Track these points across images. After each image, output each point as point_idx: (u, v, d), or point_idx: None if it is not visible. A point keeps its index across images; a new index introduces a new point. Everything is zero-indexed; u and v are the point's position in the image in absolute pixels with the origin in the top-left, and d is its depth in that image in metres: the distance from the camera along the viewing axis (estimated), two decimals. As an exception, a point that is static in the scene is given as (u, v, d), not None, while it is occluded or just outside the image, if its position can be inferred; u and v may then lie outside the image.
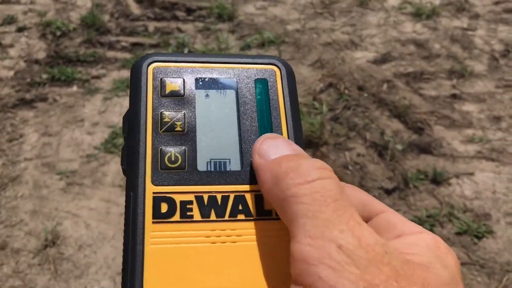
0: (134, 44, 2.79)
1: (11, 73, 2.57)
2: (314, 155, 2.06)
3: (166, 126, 0.33)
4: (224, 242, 0.30)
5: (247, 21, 2.99)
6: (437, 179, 1.97)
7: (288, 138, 0.34)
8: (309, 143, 2.11)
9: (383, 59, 2.64)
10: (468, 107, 2.33)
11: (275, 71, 0.37)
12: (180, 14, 3.06)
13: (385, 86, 2.45)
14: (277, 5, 3.16)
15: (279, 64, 0.37)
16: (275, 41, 2.78)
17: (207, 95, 0.35)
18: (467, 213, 1.85)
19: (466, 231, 1.79)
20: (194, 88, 0.35)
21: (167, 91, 0.35)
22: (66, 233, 1.82)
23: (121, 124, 2.23)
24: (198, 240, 0.30)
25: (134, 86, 0.35)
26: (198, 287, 0.28)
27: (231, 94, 0.35)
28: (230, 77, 0.36)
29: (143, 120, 0.33)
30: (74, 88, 2.48)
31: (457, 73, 2.52)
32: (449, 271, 0.26)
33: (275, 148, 0.31)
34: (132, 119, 0.34)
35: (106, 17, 2.99)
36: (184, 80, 0.35)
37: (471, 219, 1.82)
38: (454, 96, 2.39)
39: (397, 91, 2.42)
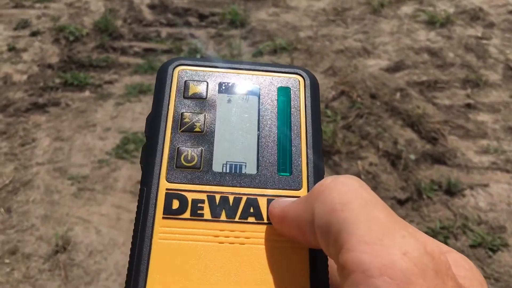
0: (147, 50, 2.79)
1: (24, 77, 2.58)
2: (326, 164, 2.04)
3: (186, 126, 0.34)
4: (232, 243, 0.30)
5: (259, 28, 2.98)
6: (451, 190, 1.94)
7: (307, 148, 0.34)
8: (321, 151, 2.09)
9: (396, 67, 2.62)
10: (483, 117, 2.30)
11: (299, 81, 0.37)
12: (193, 20, 3.06)
13: (398, 94, 2.43)
14: (290, 12, 3.15)
15: (304, 74, 0.37)
16: (287, 48, 2.77)
17: (229, 100, 0.35)
18: (482, 225, 1.82)
19: (480, 243, 1.76)
20: (217, 92, 0.36)
21: (190, 93, 0.35)
22: (77, 239, 1.81)
23: (133, 130, 2.23)
24: (206, 238, 0.30)
25: (159, 87, 0.35)
26: (201, 285, 0.28)
27: (254, 100, 0.36)
28: (254, 84, 0.36)
29: (163, 119, 0.34)
30: (87, 93, 2.49)
31: (471, 82, 2.50)
32: None
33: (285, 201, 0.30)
34: (154, 119, 0.34)
35: (119, 23, 3.00)
36: (207, 83, 0.36)
37: (485, 232, 1.80)
38: (468, 105, 2.36)
39: (411, 99, 2.39)
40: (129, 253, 0.29)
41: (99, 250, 1.77)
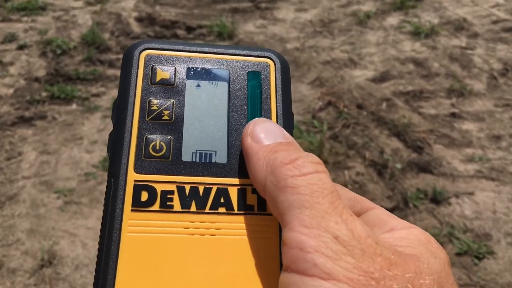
0: (134, 62, 2.79)
1: (11, 90, 2.58)
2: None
3: (153, 114, 0.33)
4: (203, 235, 0.29)
5: (246, 40, 3.00)
6: (437, 199, 1.95)
7: None
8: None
9: (382, 78, 2.65)
10: (468, 126, 2.33)
11: (269, 64, 0.36)
12: (180, 32, 3.07)
13: (384, 104, 2.45)
14: (277, 24, 3.18)
15: (274, 58, 0.36)
16: (274, 60, 2.79)
17: (198, 85, 0.35)
18: (468, 233, 1.83)
19: (466, 251, 1.77)
20: (185, 78, 0.35)
21: (157, 79, 0.34)
22: (63, 253, 1.80)
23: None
24: (176, 231, 0.29)
25: (125, 73, 0.34)
26: (172, 278, 0.28)
27: (223, 85, 0.35)
28: (223, 68, 0.35)
29: (130, 107, 0.33)
30: (74, 106, 2.48)
31: (456, 92, 2.53)
32: (439, 263, 0.27)
33: (268, 133, 0.31)
34: (120, 106, 0.33)
35: (107, 35, 3.00)
36: (175, 68, 0.35)
37: (471, 240, 1.81)
38: (453, 114, 2.39)
39: (397, 109, 2.42)
40: (98, 247, 0.29)
41: (85, 264, 1.76)
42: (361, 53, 2.86)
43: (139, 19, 3.18)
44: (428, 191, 1.99)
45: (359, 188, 2.02)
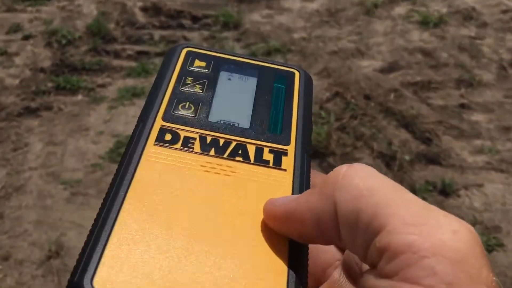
0: (140, 53, 2.78)
1: (17, 81, 2.57)
2: (321, 166, 2.04)
3: (187, 86, 0.36)
4: (218, 173, 0.30)
5: (253, 29, 2.98)
6: (446, 191, 1.94)
7: (296, 134, 0.35)
8: (315, 153, 2.08)
9: (390, 68, 2.62)
10: (477, 117, 2.30)
11: (295, 73, 0.40)
12: (186, 22, 3.05)
13: (392, 95, 2.42)
14: (283, 14, 3.15)
15: (300, 70, 0.40)
16: (281, 50, 2.77)
17: (229, 78, 0.38)
18: (477, 225, 1.82)
19: (476, 244, 1.75)
20: (219, 69, 0.38)
21: (194, 65, 0.38)
22: (70, 244, 1.80)
23: (126, 133, 2.22)
24: (194, 166, 0.30)
25: (166, 63, 0.38)
26: (181, 203, 0.28)
27: (252, 81, 0.38)
28: (254, 69, 0.39)
29: (167, 79, 0.36)
30: (79, 96, 2.47)
31: (465, 82, 2.50)
32: None
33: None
34: (158, 79, 0.36)
35: (112, 26, 2.98)
36: (212, 62, 0.39)
37: (480, 232, 1.79)
38: (462, 105, 2.36)
39: (405, 100, 2.39)
40: (114, 173, 0.30)
41: (93, 255, 1.76)
42: (368, 43, 2.83)
43: (144, 9, 3.15)
44: (437, 183, 1.97)
45: (367, 180, 2.00)
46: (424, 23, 2.96)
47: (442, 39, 2.84)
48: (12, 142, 2.21)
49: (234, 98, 0.37)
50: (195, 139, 0.32)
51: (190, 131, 0.33)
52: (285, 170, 0.32)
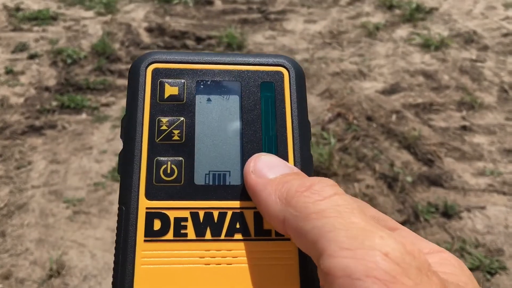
0: (144, 72, 2.80)
1: (21, 100, 2.59)
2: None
3: (163, 135, 0.31)
4: (219, 264, 0.28)
5: (256, 50, 3.01)
6: (448, 212, 1.94)
7: (294, 154, 0.31)
8: (317, 174, 2.09)
9: (392, 90, 2.64)
10: (479, 139, 2.31)
11: (282, 73, 0.34)
12: (190, 43, 3.08)
13: (394, 116, 2.44)
14: (286, 35, 3.18)
15: (287, 65, 0.34)
16: (283, 71, 2.79)
17: (208, 100, 0.33)
18: (479, 248, 1.81)
19: (478, 266, 1.75)
20: (194, 93, 0.33)
21: (165, 96, 0.32)
22: (72, 263, 1.79)
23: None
24: (191, 261, 0.28)
25: (132, 89, 0.33)
26: None
27: (235, 99, 0.33)
28: (234, 80, 0.33)
29: (139, 128, 0.31)
30: (83, 115, 2.49)
31: (466, 105, 2.51)
32: None
33: (271, 166, 0.29)
34: (129, 125, 0.32)
35: (117, 45, 3.02)
36: (184, 83, 0.33)
37: (483, 255, 1.78)
38: (464, 127, 2.37)
39: (406, 122, 2.40)
40: (112, 280, 0.28)
41: (94, 275, 1.75)
42: (370, 65, 2.85)
43: (149, 30, 3.19)
44: (439, 205, 1.97)
45: (369, 201, 2.00)
46: (426, 46, 2.99)
47: (443, 61, 2.87)
48: (15, 160, 2.22)
49: (218, 136, 0.32)
50: (186, 219, 0.29)
51: (179, 208, 0.29)
52: (288, 239, 0.29)
